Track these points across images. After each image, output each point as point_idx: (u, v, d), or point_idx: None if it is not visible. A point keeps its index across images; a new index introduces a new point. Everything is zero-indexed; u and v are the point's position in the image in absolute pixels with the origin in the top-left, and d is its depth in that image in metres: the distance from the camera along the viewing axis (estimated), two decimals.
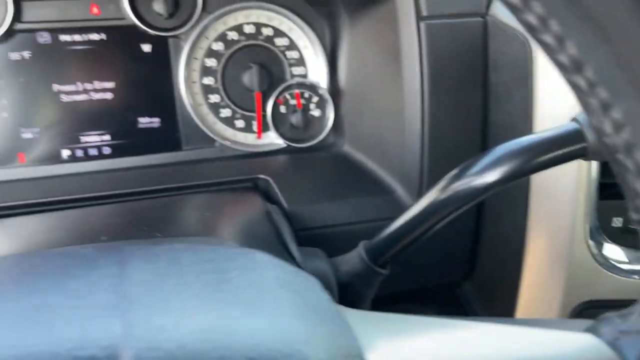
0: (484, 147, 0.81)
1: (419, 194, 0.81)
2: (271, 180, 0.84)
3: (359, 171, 0.90)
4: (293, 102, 0.96)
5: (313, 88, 0.97)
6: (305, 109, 0.97)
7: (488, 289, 0.90)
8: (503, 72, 0.77)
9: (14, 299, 0.31)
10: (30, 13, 0.84)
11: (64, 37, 0.86)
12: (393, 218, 0.78)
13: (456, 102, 0.79)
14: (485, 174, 0.55)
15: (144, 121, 0.92)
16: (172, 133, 0.94)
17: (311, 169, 0.92)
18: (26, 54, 0.85)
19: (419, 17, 0.75)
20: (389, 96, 0.84)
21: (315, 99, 0.97)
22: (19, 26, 0.84)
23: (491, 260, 0.87)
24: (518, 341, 0.34)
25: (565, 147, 0.53)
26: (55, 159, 0.89)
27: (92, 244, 0.64)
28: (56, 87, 0.87)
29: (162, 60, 0.91)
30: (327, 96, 0.96)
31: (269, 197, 0.84)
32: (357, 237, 0.67)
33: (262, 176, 0.86)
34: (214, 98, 0.94)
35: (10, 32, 0.83)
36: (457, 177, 0.57)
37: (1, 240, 0.70)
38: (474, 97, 0.79)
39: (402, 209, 0.83)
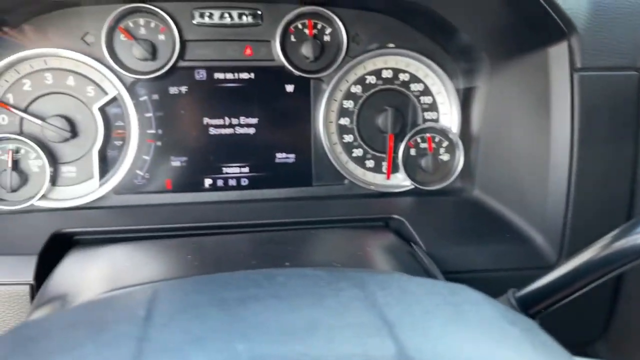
0: (632, 202, 0.79)
1: (561, 246, 0.79)
2: (405, 221, 0.85)
3: (492, 217, 0.89)
4: (424, 145, 0.98)
5: (444, 133, 0.98)
6: (435, 152, 0.98)
7: (625, 347, 0.85)
8: None
9: (278, 313, 0.33)
10: (192, 52, 0.91)
11: (218, 75, 0.93)
12: (534, 267, 0.76)
13: (606, 155, 0.77)
14: None
15: (280, 156, 0.97)
16: (305, 169, 0.98)
17: (442, 212, 0.92)
18: (183, 89, 0.93)
19: (573, 69, 0.75)
20: (533, 145, 0.84)
21: (445, 143, 0.99)
22: (181, 64, 0.91)
23: (631, 317, 0.83)
24: None
25: None
26: (198, 187, 0.95)
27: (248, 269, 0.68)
28: (206, 120, 0.94)
29: (303, 100, 0.96)
30: (458, 141, 0.98)
31: (402, 237, 0.85)
32: (496, 283, 0.66)
33: (395, 216, 0.87)
34: (348, 138, 0.98)
35: (173, 69, 0.91)
36: (625, 234, 0.55)
37: (159, 259, 0.74)
38: (624, 150, 0.78)
39: (542, 258, 0.82)
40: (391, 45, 0.96)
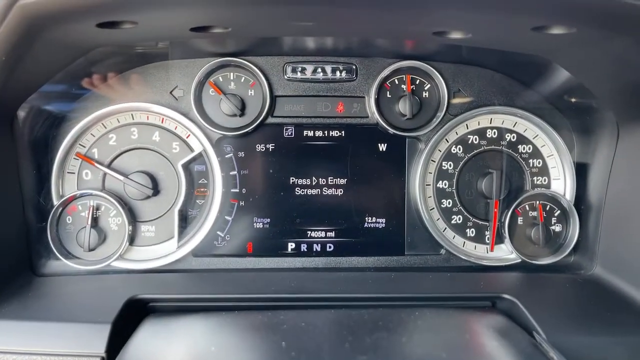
0: None
1: None
2: (518, 302, 0.74)
3: (621, 300, 0.76)
4: (533, 213, 0.87)
5: (556, 200, 0.87)
6: (547, 222, 0.87)
7: None
8: None
9: None
10: (282, 108, 0.86)
11: (307, 132, 0.87)
12: None
13: None
14: None
15: (370, 221, 0.88)
16: (397, 235, 0.88)
17: (558, 292, 0.80)
18: (270, 147, 0.87)
19: None
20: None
21: (557, 212, 0.87)
22: (270, 120, 0.86)
23: None
24: None
25: None
26: (281, 251, 0.88)
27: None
28: (292, 179, 0.87)
29: (398, 161, 0.88)
30: (573, 209, 0.86)
31: (513, 319, 0.73)
32: None
33: (505, 295, 0.76)
34: (447, 203, 0.88)
35: (261, 125, 0.86)
36: None
37: (246, 340, 0.66)
38: None
39: None
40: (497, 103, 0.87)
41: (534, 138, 0.88)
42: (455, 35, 0.68)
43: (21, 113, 0.76)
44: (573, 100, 0.84)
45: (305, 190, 0.88)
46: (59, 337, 0.66)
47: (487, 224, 0.88)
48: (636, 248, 0.78)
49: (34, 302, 0.75)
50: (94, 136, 0.84)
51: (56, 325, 0.69)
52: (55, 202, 0.82)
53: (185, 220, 0.86)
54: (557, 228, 0.88)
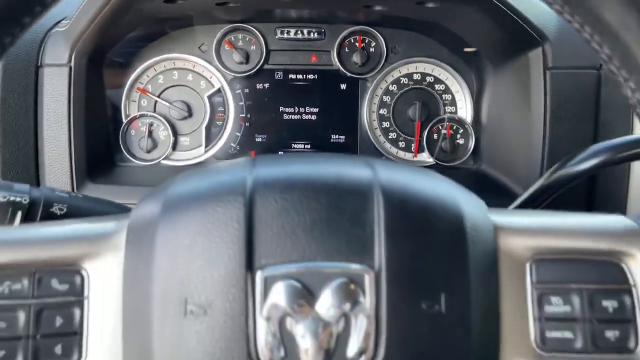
0: None
1: None
2: None
3: (494, 184, 1.18)
4: (444, 131, 1.28)
5: (460, 122, 1.28)
6: (453, 137, 1.28)
7: None
8: (610, 112, 1.02)
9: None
10: (274, 59, 1.28)
11: (291, 75, 1.28)
12: None
13: (571, 132, 1.05)
14: (581, 164, 0.81)
15: (334, 137, 1.30)
16: (353, 147, 1.30)
17: (459, 180, 1.22)
18: (266, 85, 1.28)
19: (546, 68, 1.04)
20: (520, 128, 1.12)
21: (461, 130, 1.28)
22: (265, 67, 1.27)
23: None
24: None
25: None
26: None
27: None
28: (281, 108, 1.29)
29: (353, 95, 1.29)
30: (471, 129, 1.27)
31: None
32: None
33: None
34: (385, 124, 1.30)
35: (260, 71, 1.27)
36: (560, 167, 0.84)
37: None
38: (586, 129, 1.05)
39: None
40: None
41: (446, 79, 1.29)
42: (378, 7, 1.08)
43: (106, 59, 1.18)
44: (467, 51, 1.24)
45: (290, 115, 1.30)
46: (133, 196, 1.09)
47: (413, 138, 1.30)
48: (500, 149, 1.20)
49: (116, 179, 1.18)
50: (148, 76, 1.25)
51: (133, 187, 1.12)
52: (124, 120, 1.25)
53: (209, 135, 1.28)
54: (461, 141, 1.29)
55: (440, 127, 1.29)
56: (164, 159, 1.25)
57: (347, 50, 1.27)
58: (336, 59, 1.27)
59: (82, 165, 1.09)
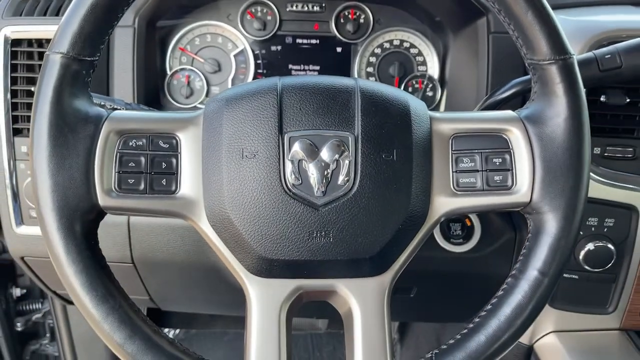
0: None
1: None
2: None
3: None
4: (416, 85, 1.65)
5: (430, 79, 1.64)
6: (424, 90, 1.64)
7: None
8: None
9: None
10: (285, 27, 1.63)
11: (298, 40, 1.64)
12: None
13: (508, 81, 1.41)
14: (504, 93, 1.18)
15: None
16: None
17: None
18: (279, 48, 1.64)
19: (489, 32, 1.40)
20: (471, 81, 1.49)
21: (430, 85, 1.65)
22: (279, 33, 1.63)
23: None
24: None
25: None
26: None
27: None
28: (290, 66, 1.64)
29: (346, 57, 1.64)
30: (437, 84, 1.63)
31: None
32: None
33: None
34: (372, 79, 1.66)
35: (274, 36, 1.63)
36: (490, 97, 1.21)
37: None
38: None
39: None
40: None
41: (418, 45, 1.64)
42: None
43: (159, 24, 1.53)
44: (433, 22, 1.60)
45: (297, 72, 1.63)
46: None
47: None
48: (460, 100, 1.56)
49: None
50: (187, 39, 1.60)
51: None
52: (168, 72, 1.60)
53: (234, 85, 1.64)
54: (430, 93, 1.65)
55: (414, 82, 1.65)
56: (199, 103, 1.61)
57: (342, 21, 1.63)
58: (334, 28, 1.62)
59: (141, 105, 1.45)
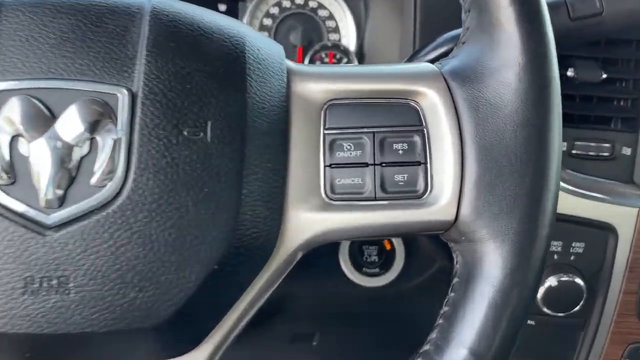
0: None
1: None
2: None
3: None
4: (326, 59, 1.25)
5: (345, 51, 1.25)
6: (335, 64, 1.25)
7: None
8: None
9: None
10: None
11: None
12: None
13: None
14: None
15: None
16: None
17: None
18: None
19: None
20: (394, 55, 1.11)
21: (344, 59, 1.25)
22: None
23: None
24: None
25: None
26: None
27: None
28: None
29: (233, 17, 1.23)
30: (354, 58, 1.24)
31: None
32: None
33: None
34: None
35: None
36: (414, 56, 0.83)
37: None
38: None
39: None
40: None
41: (329, 6, 1.25)
42: None
43: None
44: None
45: None
46: None
47: None
48: None
49: None
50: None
51: None
52: None
53: None
54: None
55: (322, 54, 1.25)
56: None
57: None
58: None
59: None
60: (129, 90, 0.42)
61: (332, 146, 0.48)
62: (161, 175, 0.40)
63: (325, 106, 0.49)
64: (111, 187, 0.40)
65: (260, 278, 0.45)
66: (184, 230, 0.40)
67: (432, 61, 0.79)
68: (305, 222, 0.46)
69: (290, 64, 0.52)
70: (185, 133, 0.42)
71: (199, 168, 0.41)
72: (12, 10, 0.42)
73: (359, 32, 1.25)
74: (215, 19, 0.48)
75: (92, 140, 0.41)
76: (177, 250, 0.40)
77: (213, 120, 0.43)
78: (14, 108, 0.40)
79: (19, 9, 0.42)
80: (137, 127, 0.41)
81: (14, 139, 0.40)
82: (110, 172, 0.40)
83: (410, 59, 0.82)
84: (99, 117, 0.41)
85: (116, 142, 0.41)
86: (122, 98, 0.42)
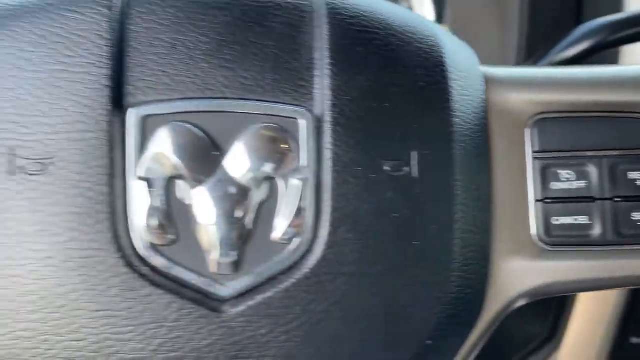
0: None
1: None
2: None
3: None
4: None
5: None
6: None
7: None
8: None
9: None
10: None
11: None
12: None
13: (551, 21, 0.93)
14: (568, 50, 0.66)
15: None
16: None
17: None
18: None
19: None
20: (486, 28, 1.01)
21: None
22: None
23: None
24: None
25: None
26: None
27: None
28: None
29: None
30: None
31: None
32: None
33: None
34: None
35: None
36: (541, 57, 0.69)
37: None
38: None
39: None
40: None
41: None
42: None
43: None
44: None
45: None
46: None
47: None
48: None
49: None
50: None
51: None
52: None
53: None
54: None
55: None
56: None
57: None
58: None
59: None
60: (311, 112, 0.32)
61: (544, 174, 0.38)
62: (362, 226, 0.31)
63: (532, 122, 0.38)
64: (299, 243, 0.31)
65: (467, 340, 0.37)
66: (392, 298, 0.32)
67: (573, 60, 0.67)
68: (515, 274, 0.37)
69: (486, 69, 0.40)
70: (387, 168, 0.33)
71: (406, 214, 0.32)
72: (147, 4, 0.31)
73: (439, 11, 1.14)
74: (399, 12, 0.36)
75: (271, 182, 0.32)
76: (386, 324, 0.33)
77: (418, 150, 0.33)
78: (167, 140, 0.30)
79: (155, 2, 0.31)
80: (327, 163, 0.31)
81: (169, 183, 0.31)
82: (297, 224, 0.31)
83: (541, 57, 0.69)
84: (278, 150, 0.31)
85: (305, 184, 0.31)
86: (305, 124, 0.31)
